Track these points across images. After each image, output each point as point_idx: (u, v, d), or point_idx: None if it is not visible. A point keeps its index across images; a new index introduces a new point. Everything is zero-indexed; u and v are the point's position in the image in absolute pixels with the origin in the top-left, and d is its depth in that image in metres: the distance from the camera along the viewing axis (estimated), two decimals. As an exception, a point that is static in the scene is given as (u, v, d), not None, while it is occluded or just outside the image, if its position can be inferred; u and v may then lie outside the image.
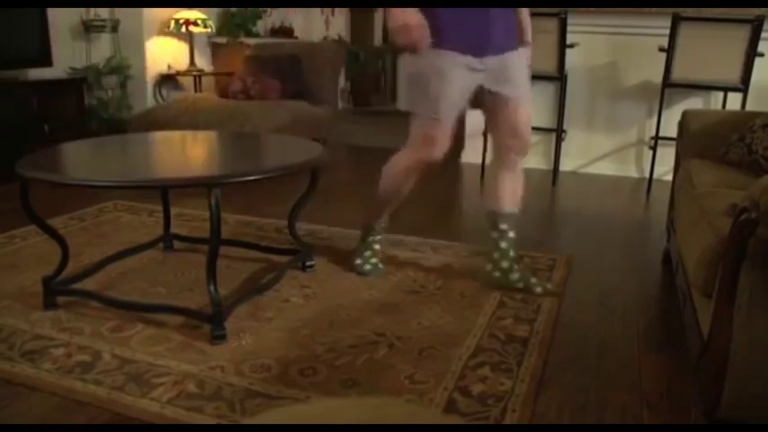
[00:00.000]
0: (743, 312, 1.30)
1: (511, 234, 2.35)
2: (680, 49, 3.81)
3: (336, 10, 8.34)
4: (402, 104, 2.27)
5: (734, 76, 3.75)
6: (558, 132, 4.29)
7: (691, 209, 1.98)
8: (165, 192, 2.75)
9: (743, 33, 3.67)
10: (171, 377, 1.74)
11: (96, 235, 2.96)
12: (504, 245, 2.34)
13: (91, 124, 4.56)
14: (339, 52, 5.56)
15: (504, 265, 2.35)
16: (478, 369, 1.81)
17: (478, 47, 2.15)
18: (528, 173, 2.41)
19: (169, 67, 5.33)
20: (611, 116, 4.50)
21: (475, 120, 4.73)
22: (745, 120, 2.42)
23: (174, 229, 2.83)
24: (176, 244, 2.78)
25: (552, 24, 3.96)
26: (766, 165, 2.22)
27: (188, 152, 2.65)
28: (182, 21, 5.18)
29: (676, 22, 3.77)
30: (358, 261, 2.52)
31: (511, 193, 2.35)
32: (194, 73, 5.38)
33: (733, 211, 1.38)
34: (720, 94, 4.03)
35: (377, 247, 2.54)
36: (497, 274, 2.36)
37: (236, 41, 5.74)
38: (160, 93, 5.23)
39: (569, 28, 3.97)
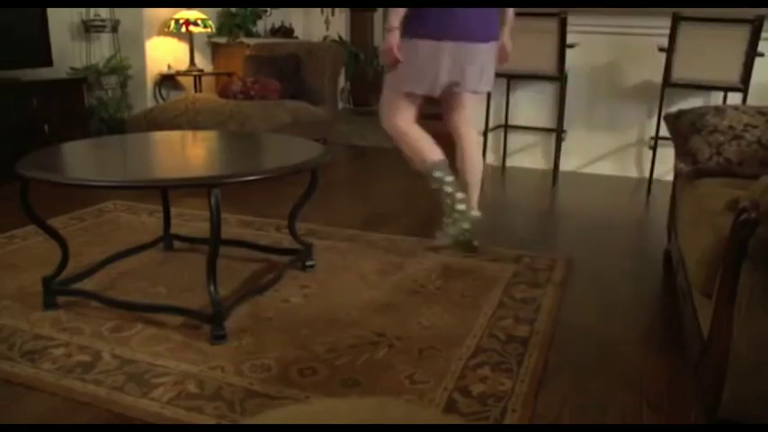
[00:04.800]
0: (743, 312, 1.30)
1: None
2: (680, 49, 3.81)
3: (336, 10, 8.33)
4: None
5: (734, 76, 3.75)
6: (558, 132, 4.29)
7: (691, 209, 1.98)
8: (165, 192, 2.75)
9: (743, 33, 3.67)
10: (171, 377, 1.74)
11: (96, 235, 2.96)
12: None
13: (91, 124, 4.56)
14: (339, 52, 5.56)
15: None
16: (478, 369, 1.81)
17: None
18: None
19: (169, 67, 5.33)
20: (611, 116, 4.49)
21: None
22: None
23: (174, 229, 2.82)
24: (176, 244, 2.78)
25: (552, 24, 3.96)
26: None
27: (188, 152, 2.65)
28: (182, 21, 5.18)
29: (676, 21, 3.77)
30: None
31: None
32: (194, 73, 5.38)
33: (734, 207, 1.38)
34: (720, 94, 4.03)
35: None
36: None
37: (236, 41, 5.74)
38: (160, 93, 5.23)
39: (569, 28, 3.97)
